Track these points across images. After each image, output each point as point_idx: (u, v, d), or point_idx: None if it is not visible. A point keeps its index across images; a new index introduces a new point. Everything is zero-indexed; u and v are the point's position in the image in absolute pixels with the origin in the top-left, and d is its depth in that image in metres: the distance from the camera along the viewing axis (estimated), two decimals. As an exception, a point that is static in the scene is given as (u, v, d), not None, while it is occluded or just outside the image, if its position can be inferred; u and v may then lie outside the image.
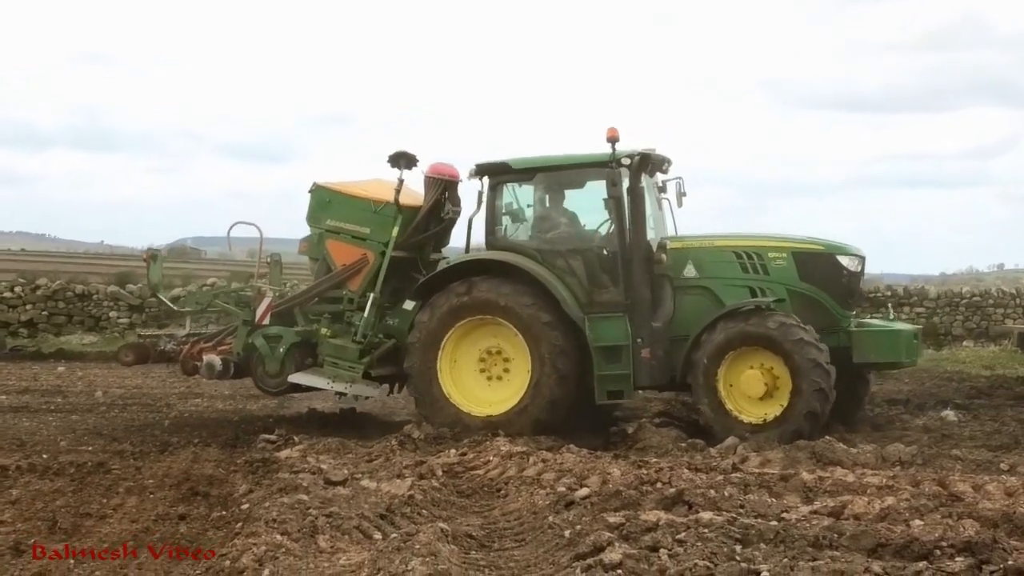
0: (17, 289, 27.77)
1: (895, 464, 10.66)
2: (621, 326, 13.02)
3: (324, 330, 14.20)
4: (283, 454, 11.64)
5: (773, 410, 12.48)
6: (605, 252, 13.42)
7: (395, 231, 13.82)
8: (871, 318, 17.05)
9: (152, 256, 15.81)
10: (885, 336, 13.44)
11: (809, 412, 12.31)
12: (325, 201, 14.26)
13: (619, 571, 6.53)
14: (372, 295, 13.84)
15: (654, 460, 10.75)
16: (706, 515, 7.86)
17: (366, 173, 13.92)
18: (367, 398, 14.66)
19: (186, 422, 15.09)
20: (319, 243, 14.30)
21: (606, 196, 13.17)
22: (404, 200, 13.91)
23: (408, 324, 13.56)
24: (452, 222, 14.42)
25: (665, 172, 14.30)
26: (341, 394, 14.39)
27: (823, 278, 13.26)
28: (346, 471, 10.37)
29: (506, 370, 13.30)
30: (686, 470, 9.88)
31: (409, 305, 13.76)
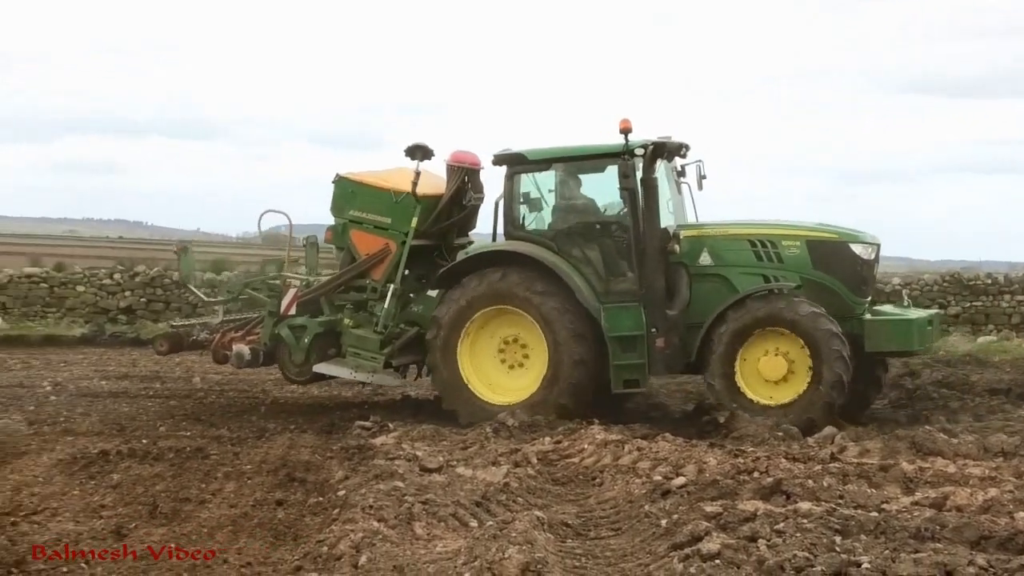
0: (116, 276, 28.21)
1: (998, 455, 10.47)
2: (636, 316, 13.10)
3: (347, 320, 14.39)
4: (378, 441, 11.72)
5: (786, 395, 12.62)
6: (620, 242, 13.49)
7: (415, 222, 14.00)
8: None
9: (183, 249, 16.24)
10: (897, 325, 13.36)
11: (826, 403, 12.43)
12: (348, 192, 14.45)
13: (717, 561, 6.48)
14: (392, 286, 14.01)
15: (750, 449, 10.67)
16: (805, 505, 7.80)
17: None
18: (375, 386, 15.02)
19: (282, 408, 15.28)
20: (343, 233, 14.48)
21: (620, 187, 13.24)
22: (426, 189, 14.08)
23: (432, 311, 13.85)
24: (475, 208, 14.59)
25: (684, 157, 14.34)
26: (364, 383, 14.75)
27: (836, 266, 13.27)
28: (441, 458, 10.42)
29: (526, 356, 13.48)
30: (783, 459, 9.80)
31: (434, 292, 14.15)
